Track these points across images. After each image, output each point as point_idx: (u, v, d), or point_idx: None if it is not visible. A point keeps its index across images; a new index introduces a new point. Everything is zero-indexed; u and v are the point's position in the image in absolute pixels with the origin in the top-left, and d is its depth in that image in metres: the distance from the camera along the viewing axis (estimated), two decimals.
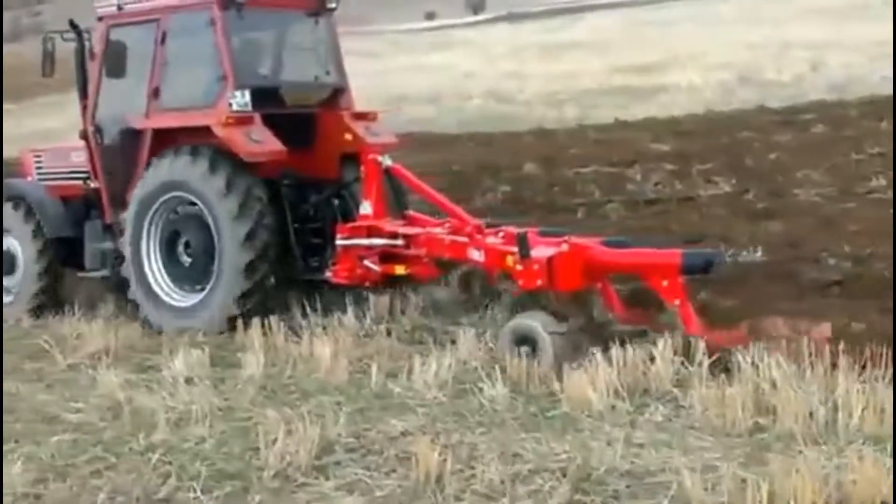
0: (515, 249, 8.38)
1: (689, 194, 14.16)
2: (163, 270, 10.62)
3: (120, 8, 11.13)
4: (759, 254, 10.26)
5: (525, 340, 7.92)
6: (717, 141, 17.75)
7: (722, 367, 7.19)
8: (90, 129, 11.37)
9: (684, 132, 19.32)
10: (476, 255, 9.01)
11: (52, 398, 8.00)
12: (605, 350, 7.46)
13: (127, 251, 10.69)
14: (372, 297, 10.00)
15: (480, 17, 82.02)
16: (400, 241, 9.71)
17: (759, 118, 20.15)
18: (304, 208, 10.67)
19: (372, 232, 9.89)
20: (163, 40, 10.67)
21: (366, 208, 10.12)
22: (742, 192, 13.95)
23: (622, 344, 7.49)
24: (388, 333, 9.27)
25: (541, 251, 8.29)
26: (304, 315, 9.91)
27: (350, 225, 10.12)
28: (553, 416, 6.80)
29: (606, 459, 5.78)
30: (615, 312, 8.40)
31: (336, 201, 10.79)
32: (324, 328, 9.43)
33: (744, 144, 17.26)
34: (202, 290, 10.30)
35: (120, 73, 10.80)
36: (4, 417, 7.33)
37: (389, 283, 10.04)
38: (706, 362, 7.17)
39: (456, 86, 35.78)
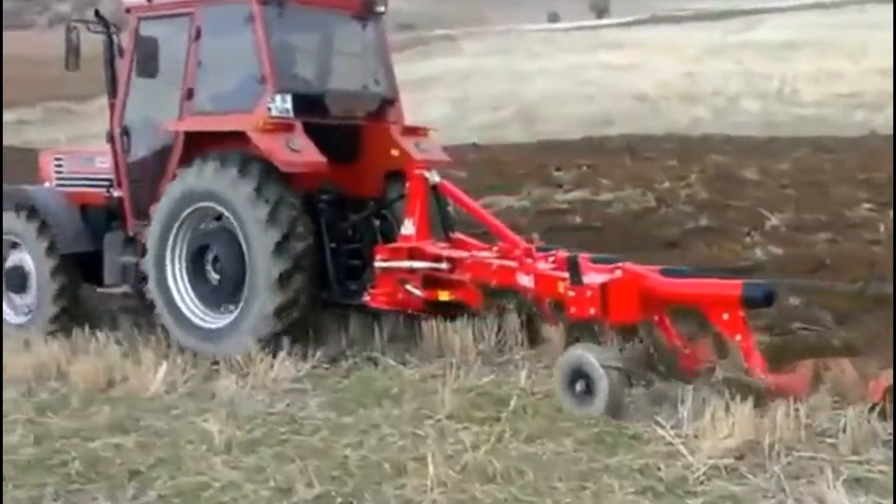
0: (567, 275, 8.70)
1: None
2: (189, 289, 10.94)
3: (150, 0, 11.49)
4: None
5: (580, 375, 8.13)
6: None
7: None
8: (117, 131, 11.69)
9: None
10: (525, 281, 9.32)
11: None
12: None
13: (150, 265, 11.01)
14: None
15: (630, 19, 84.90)
16: (444, 265, 10.05)
17: None
18: (343, 227, 11.01)
19: (414, 254, 10.23)
20: (197, 36, 11.01)
21: (408, 228, 10.45)
22: None
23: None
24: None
25: (593, 278, 8.58)
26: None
27: (390, 246, 10.47)
28: None
29: None
30: (674, 347, 8.72)
31: (377, 221, 11.16)
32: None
33: None
34: (233, 310, 10.59)
35: (151, 71, 11.10)
36: None
37: (432, 309, 10.34)
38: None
39: (720, 87, 37.06)
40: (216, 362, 10.09)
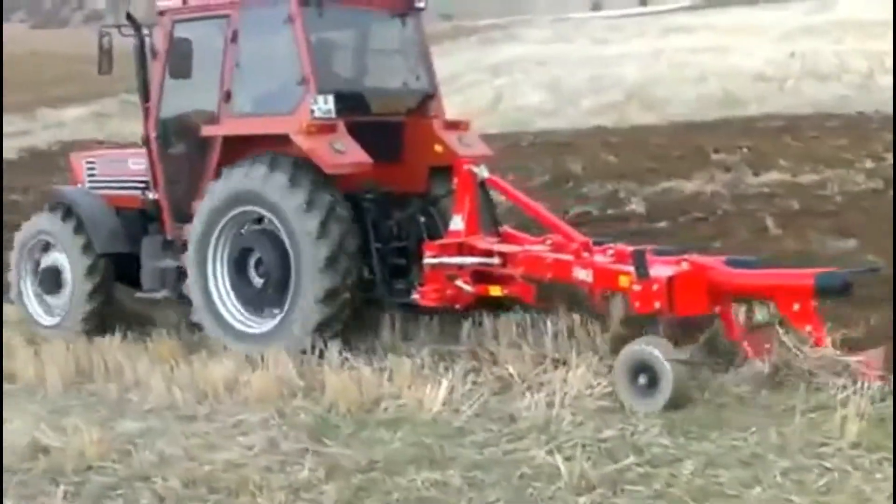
0: (630, 269, 9.18)
1: None
2: (231, 292, 11.43)
3: (185, 1, 11.94)
4: None
5: (643, 369, 8.60)
6: None
7: None
8: (152, 134, 12.15)
9: None
10: (582, 275, 9.77)
11: None
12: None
13: (190, 269, 11.50)
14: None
15: (684, 4, 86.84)
16: (495, 260, 10.56)
17: None
18: (388, 225, 11.49)
19: (464, 249, 10.77)
20: (234, 38, 11.44)
21: (457, 223, 10.95)
22: None
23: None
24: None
25: (659, 270, 9.06)
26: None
27: (439, 242, 11.00)
28: None
29: None
30: (737, 339, 9.19)
31: (422, 218, 11.68)
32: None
33: None
34: (275, 315, 11.07)
35: (186, 73, 11.55)
36: None
37: (482, 305, 10.87)
38: None
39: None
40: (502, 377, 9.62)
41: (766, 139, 24.96)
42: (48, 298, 13.10)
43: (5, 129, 44.54)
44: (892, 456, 7.12)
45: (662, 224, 16.78)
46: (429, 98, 12.18)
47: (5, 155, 35.91)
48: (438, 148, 11.76)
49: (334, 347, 10.38)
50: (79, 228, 12.64)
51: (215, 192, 11.33)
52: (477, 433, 8.37)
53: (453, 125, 12.05)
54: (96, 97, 47.40)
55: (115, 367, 10.98)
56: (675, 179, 20.43)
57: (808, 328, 8.62)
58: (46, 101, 46.95)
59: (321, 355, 10.38)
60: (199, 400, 9.77)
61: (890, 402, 8.00)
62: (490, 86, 45.18)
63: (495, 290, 10.60)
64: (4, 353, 11.70)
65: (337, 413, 9.09)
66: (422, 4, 12.19)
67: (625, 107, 36.26)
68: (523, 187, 18.00)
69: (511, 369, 9.52)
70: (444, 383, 9.17)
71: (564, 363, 9.48)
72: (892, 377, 8.25)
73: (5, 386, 10.69)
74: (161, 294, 12.35)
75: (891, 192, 17.50)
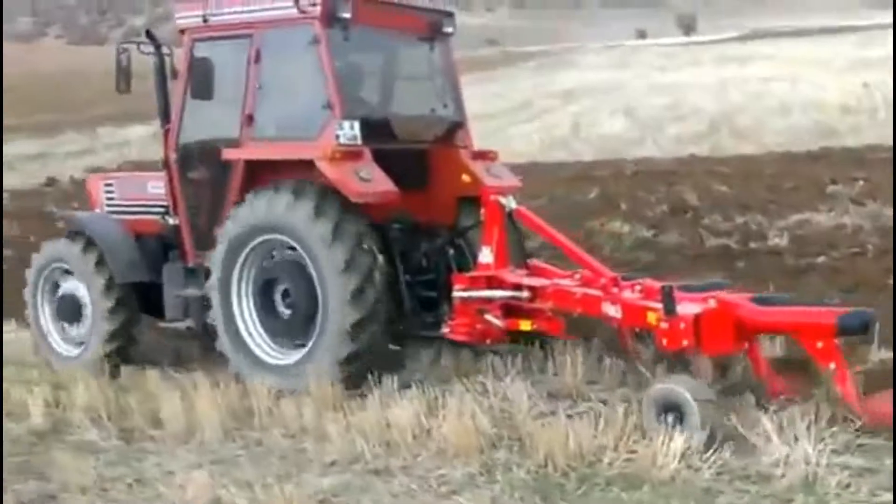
0: (658, 305, 9.24)
1: None
2: (256, 322, 11.47)
3: (205, 20, 11.93)
4: None
5: (671, 408, 8.66)
6: None
7: None
8: (172, 156, 12.24)
9: None
10: (611, 311, 9.88)
11: None
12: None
13: (214, 297, 11.54)
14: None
15: (732, 34, 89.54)
16: (525, 294, 10.68)
17: None
18: (416, 256, 11.62)
19: (493, 283, 10.88)
20: (257, 59, 11.52)
21: (486, 256, 11.08)
22: None
23: None
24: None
25: (687, 308, 9.13)
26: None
27: (469, 275, 11.11)
28: None
29: None
30: (763, 378, 9.35)
31: (451, 249, 11.79)
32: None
33: None
34: (302, 346, 11.12)
35: (207, 94, 11.62)
36: None
37: (511, 339, 11.01)
38: None
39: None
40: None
41: (877, 170, 24.51)
42: (67, 327, 13.20)
43: (66, 147, 45.11)
44: None
45: (821, 259, 16.48)
46: (457, 126, 12.26)
47: (74, 174, 36.46)
48: (466, 178, 11.86)
49: (519, 390, 9.93)
50: (97, 256, 12.72)
51: (238, 219, 11.36)
52: (728, 494, 7.75)
53: (481, 155, 12.12)
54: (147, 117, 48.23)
55: (275, 410, 10.47)
56: (806, 212, 20.06)
57: (832, 366, 8.67)
58: (95, 119, 47.54)
59: (504, 397, 9.97)
60: (387, 451, 9.15)
61: None
62: (564, 112, 45.83)
63: (525, 325, 10.72)
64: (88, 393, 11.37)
65: (554, 468, 8.37)
66: (450, 30, 12.29)
67: (714, 136, 36.26)
68: (642, 216, 18.02)
69: (735, 419, 8.75)
70: (678, 436, 8.27)
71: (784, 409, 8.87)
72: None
73: (151, 432, 10.32)
74: (185, 324, 12.43)
75: None
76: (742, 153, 30.99)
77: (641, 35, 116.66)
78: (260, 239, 11.29)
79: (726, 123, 38.32)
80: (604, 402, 9.71)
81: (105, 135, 45.10)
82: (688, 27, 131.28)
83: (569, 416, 9.32)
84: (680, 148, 33.59)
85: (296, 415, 10.14)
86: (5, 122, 51.66)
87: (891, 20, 72.62)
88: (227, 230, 11.45)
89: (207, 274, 11.72)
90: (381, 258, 10.89)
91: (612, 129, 39.97)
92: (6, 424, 10.73)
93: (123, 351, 12.76)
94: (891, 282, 13.98)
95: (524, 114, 49.04)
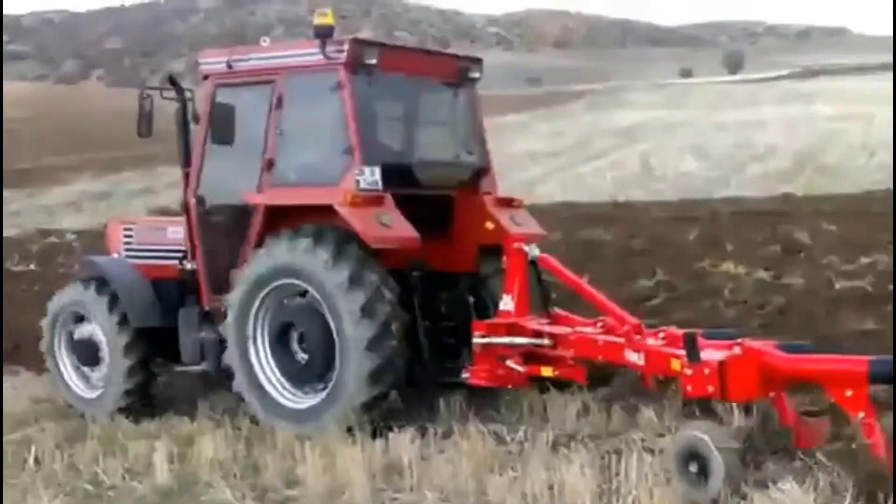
0: (682, 352, 9.20)
1: None
2: (273, 365, 11.45)
3: (230, 66, 12.03)
4: None
5: (692, 457, 8.55)
6: None
7: None
8: (192, 201, 12.27)
9: None
10: (634, 358, 9.88)
11: None
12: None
13: (230, 338, 11.54)
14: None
15: (782, 73, 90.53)
16: (546, 341, 10.72)
17: None
18: (436, 303, 11.60)
19: (513, 330, 10.93)
20: (279, 104, 11.58)
21: (507, 303, 11.13)
22: None
23: None
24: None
25: (711, 354, 9.08)
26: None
27: (488, 322, 11.14)
28: None
29: None
30: (790, 427, 9.20)
31: (471, 297, 11.75)
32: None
33: None
34: (321, 390, 11.11)
35: (228, 139, 11.67)
36: None
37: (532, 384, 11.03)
38: None
39: None
40: None
41: None
42: (86, 370, 13.23)
43: (128, 186, 45.26)
44: None
45: None
46: (481, 172, 12.26)
47: (139, 212, 36.38)
48: (490, 225, 11.84)
49: None
50: (113, 303, 12.77)
51: (257, 262, 11.37)
52: None
53: (506, 202, 12.12)
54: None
55: (420, 468, 9.66)
56: None
57: (861, 415, 8.45)
58: (149, 157, 47.64)
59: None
60: None
61: None
62: (631, 150, 45.32)
63: (546, 371, 10.77)
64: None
65: None
66: (476, 75, 12.33)
67: (802, 175, 35.85)
68: (753, 257, 17.60)
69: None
70: None
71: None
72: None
73: (287, 492, 9.68)
74: (201, 367, 12.42)
75: None
76: (841, 192, 29.97)
77: (686, 73, 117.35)
78: (277, 283, 11.27)
79: (811, 162, 37.93)
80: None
81: (165, 174, 45.09)
82: (735, 65, 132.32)
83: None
84: (769, 187, 32.60)
85: (448, 474, 9.45)
86: (61, 161, 52.08)
87: None
88: (246, 273, 11.45)
89: (224, 316, 11.70)
90: (399, 307, 10.87)
91: (689, 169, 39.14)
92: (128, 483, 10.32)
93: (141, 392, 12.84)
94: None
95: (589, 151, 48.23)
